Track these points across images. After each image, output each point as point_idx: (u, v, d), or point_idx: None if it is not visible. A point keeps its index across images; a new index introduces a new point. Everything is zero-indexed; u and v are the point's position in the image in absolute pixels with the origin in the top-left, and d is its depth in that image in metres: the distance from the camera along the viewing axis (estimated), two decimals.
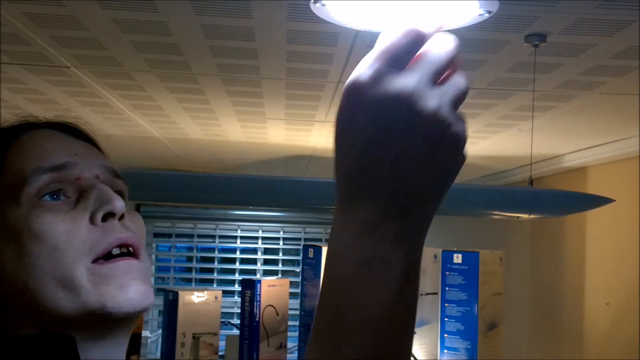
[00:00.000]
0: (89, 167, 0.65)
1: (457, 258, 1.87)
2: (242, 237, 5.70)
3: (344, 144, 0.46)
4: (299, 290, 1.95)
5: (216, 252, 5.72)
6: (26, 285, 0.59)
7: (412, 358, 1.86)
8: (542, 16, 1.24)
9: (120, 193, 0.67)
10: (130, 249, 0.64)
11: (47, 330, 0.60)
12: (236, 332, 2.45)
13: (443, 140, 0.44)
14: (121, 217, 0.64)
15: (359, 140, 0.45)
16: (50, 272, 0.59)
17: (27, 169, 0.62)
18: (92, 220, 0.62)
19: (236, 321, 2.86)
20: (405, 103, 0.43)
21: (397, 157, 0.44)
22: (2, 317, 0.61)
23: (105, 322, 0.61)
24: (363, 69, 0.45)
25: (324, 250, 1.88)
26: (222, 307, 1.98)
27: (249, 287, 1.89)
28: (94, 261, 0.61)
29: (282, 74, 1.77)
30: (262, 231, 5.69)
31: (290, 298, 2.00)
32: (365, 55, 0.47)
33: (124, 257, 0.62)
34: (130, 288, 0.61)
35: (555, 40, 1.37)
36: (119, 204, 0.62)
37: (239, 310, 2.83)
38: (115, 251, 0.62)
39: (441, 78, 0.46)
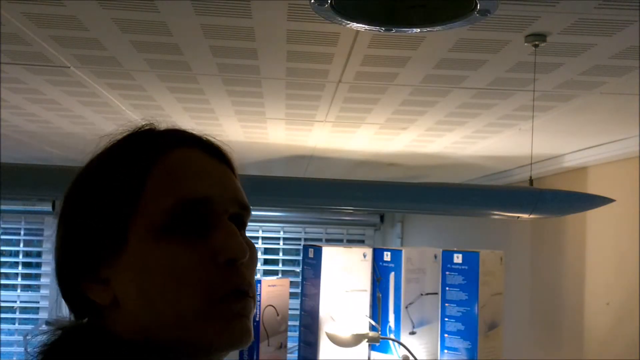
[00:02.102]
0: (222, 201, 0.68)
1: (457, 258, 1.87)
2: None
3: None
4: (299, 290, 1.95)
5: None
6: (140, 306, 0.64)
7: (412, 358, 1.86)
8: (542, 16, 1.24)
9: (243, 223, 0.71)
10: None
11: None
12: None
13: None
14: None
15: None
16: (165, 301, 0.62)
17: (167, 198, 0.65)
18: (214, 260, 0.64)
19: None
20: None
21: None
22: (114, 328, 0.65)
23: (203, 353, 0.64)
24: None
25: (324, 250, 1.88)
26: None
27: None
28: (208, 301, 0.63)
29: (282, 74, 1.77)
30: (262, 231, 5.69)
31: (290, 298, 2.00)
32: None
33: (237, 300, 0.65)
34: (235, 328, 0.64)
35: (555, 40, 1.37)
36: (241, 252, 0.65)
37: None
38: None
39: None
